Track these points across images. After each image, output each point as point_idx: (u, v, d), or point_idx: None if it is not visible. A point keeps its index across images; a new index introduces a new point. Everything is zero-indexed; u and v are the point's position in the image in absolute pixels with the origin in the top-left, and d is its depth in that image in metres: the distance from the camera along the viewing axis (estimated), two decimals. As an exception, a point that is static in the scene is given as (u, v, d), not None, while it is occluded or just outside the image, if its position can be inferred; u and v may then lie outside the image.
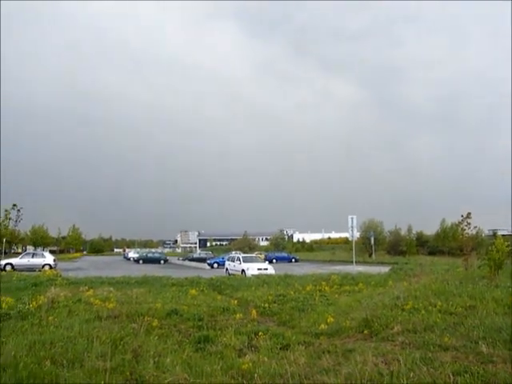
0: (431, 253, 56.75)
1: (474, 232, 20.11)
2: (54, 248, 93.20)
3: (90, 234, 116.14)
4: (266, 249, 78.68)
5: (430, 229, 65.05)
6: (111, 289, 13.39)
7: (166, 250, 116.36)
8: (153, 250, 78.90)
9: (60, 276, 18.60)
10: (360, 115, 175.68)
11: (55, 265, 32.01)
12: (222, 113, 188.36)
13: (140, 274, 19.86)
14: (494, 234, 49.86)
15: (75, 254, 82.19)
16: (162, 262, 52.48)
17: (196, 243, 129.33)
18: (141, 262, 51.04)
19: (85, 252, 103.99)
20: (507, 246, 13.13)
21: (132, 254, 66.32)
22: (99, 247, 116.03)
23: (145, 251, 68.51)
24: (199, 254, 62.12)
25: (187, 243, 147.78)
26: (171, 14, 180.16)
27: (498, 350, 5.41)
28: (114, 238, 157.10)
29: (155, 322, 8.26)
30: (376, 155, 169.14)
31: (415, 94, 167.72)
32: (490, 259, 12.82)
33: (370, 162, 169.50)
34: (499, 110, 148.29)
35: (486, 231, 58.10)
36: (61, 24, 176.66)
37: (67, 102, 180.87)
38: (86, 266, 40.91)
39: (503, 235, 29.23)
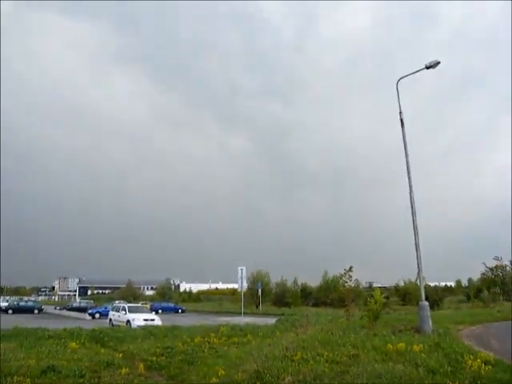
0: (315, 304, 58.92)
1: (354, 284, 21.63)
2: None
3: None
4: (151, 298, 76.29)
5: (314, 280, 67.76)
6: (-29, 345, 11.77)
7: (41, 298, 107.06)
8: (25, 298, 71.98)
9: None
10: (252, 168, 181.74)
11: None
12: (120, 155, 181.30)
13: (9, 326, 17.75)
14: (370, 286, 53.91)
15: None
16: (36, 311, 48.52)
17: (76, 291, 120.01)
18: (10, 311, 46.63)
19: None
20: (384, 298, 14.38)
21: (-1, 302, 59.48)
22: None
23: (15, 299, 62.33)
24: (79, 302, 58.45)
25: (66, 291, 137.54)
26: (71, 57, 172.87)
27: (379, 396, 5.79)
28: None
29: (28, 382, 7.42)
30: (265, 207, 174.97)
31: (301, 152, 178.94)
32: (369, 310, 13.86)
33: (258, 214, 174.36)
34: (381, 167, 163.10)
35: (363, 283, 62.46)
36: None
37: None
38: None
39: (378, 287, 31.69)
